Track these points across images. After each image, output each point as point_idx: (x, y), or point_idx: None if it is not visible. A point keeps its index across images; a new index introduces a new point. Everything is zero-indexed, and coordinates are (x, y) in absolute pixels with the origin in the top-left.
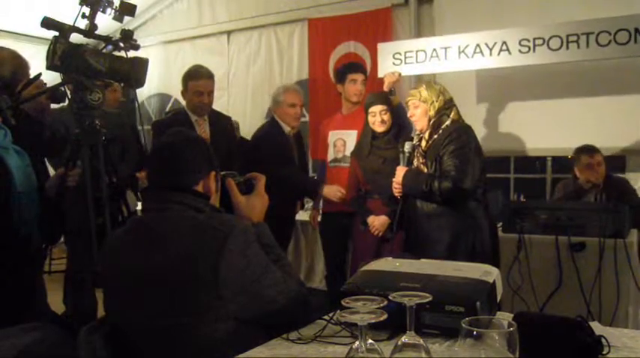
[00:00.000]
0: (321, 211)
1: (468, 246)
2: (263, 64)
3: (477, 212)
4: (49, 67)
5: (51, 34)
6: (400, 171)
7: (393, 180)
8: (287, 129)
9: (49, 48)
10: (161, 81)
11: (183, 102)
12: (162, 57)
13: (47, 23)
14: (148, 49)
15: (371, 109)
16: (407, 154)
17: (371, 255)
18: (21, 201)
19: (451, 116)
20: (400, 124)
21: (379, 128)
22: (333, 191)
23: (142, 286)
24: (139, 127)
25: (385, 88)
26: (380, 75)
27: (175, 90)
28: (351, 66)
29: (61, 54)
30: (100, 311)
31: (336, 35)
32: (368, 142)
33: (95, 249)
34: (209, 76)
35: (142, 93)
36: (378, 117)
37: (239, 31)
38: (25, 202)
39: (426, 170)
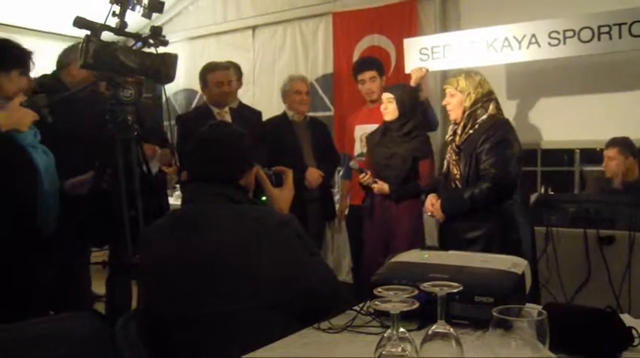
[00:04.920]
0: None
1: (502, 245)
2: (288, 59)
3: (512, 209)
4: (83, 66)
5: (65, 31)
6: (433, 199)
7: (427, 209)
8: (290, 114)
9: (82, 46)
10: (187, 77)
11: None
12: (188, 53)
13: (79, 22)
14: (174, 45)
15: (382, 97)
16: (355, 169)
17: (381, 249)
18: (46, 200)
19: (489, 110)
20: (425, 120)
21: (385, 116)
22: (313, 175)
23: (183, 276)
24: (166, 123)
25: (412, 83)
26: (407, 71)
27: None
28: (358, 65)
29: (94, 52)
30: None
31: (360, 28)
32: (379, 132)
33: (129, 241)
34: (225, 66)
35: (169, 89)
36: (383, 105)
37: (264, 26)
38: (49, 202)
39: (456, 170)
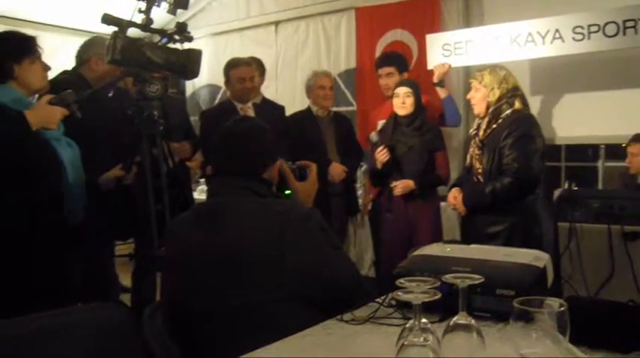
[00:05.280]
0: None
1: (524, 240)
2: (311, 54)
3: (534, 204)
4: (110, 61)
5: (89, 27)
6: (456, 193)
7: (450, 202)
8: (315, 110)
9: (109, 43)
10: (210, 72)
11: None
12: (211, 49)
13: (107, 19)
14: (197, 41)
15: (396, 91)
16: (373, 142)
17: (402, 243)
18: (72, 192)
19: (514, 106)
20: (445, 115)
21: (400, 111)
22: (337, 170)
23: (209, 269)
24: (190, 118)
25: (435, 79)
26: (430, 67)
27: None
28: (379, 60)
29: (121, 48)
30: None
31: (383, 23)
32: (389, 128)
33: (155, 235)
34: (248, 62)
35: (192, 84)
36: (400, 99)
37: (286, 22)
38: (76, 193)
39: (479, 165)
